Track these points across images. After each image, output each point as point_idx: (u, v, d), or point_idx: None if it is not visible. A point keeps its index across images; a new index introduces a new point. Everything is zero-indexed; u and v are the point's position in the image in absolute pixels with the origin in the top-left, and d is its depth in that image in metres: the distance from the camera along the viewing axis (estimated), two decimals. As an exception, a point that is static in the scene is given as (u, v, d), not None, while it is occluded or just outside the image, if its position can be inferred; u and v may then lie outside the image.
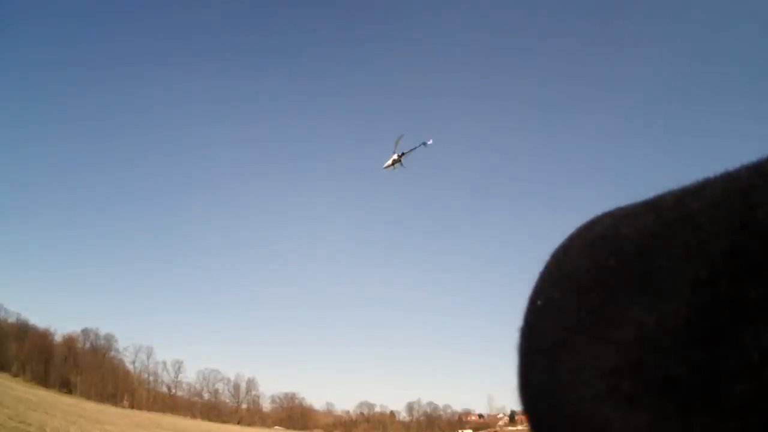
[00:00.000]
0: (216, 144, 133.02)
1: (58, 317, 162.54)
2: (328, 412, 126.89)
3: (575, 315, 0.24)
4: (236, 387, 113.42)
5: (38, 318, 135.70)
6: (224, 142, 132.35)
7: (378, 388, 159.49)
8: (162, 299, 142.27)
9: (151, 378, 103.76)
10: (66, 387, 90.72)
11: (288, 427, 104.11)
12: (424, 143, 34.82)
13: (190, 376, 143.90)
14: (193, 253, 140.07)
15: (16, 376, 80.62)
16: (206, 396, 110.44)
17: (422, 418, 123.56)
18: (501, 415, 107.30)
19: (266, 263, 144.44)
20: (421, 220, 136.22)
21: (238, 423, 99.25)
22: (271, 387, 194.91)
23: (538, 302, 0.27)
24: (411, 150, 34.76)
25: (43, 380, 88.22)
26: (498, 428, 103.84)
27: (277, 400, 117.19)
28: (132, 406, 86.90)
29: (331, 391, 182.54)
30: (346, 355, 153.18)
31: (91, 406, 34.24)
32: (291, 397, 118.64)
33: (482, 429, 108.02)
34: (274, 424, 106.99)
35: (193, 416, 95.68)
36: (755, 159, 0.22)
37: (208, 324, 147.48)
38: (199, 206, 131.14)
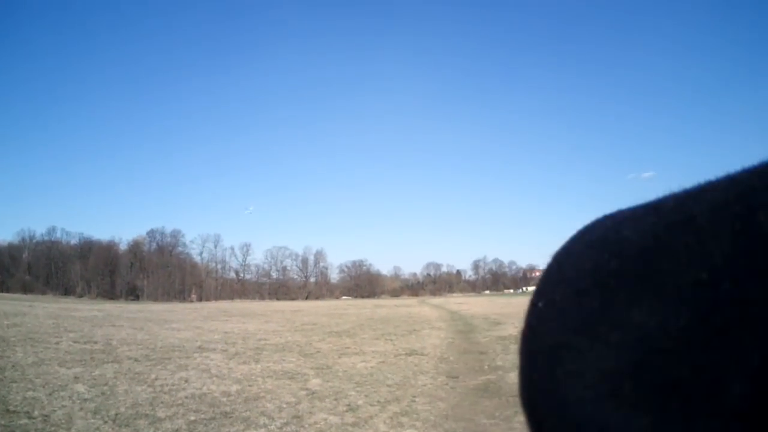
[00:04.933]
0: None
1: (124, 228, 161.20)
2: (395, 277, 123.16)
3: (576, 317, 0.23)
4: (304, 261, 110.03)
5: (103, 233, 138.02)
6: None
7: (444, 248, 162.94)
8: (225, 187, 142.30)
9: (219, 266, 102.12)
10: (133, 294, 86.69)
11: (356, 296, 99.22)
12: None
13: (258, 257, 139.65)
14: (245, 133, 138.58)
15: (81, 296, 76.76)
16: (275, 275, 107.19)
17: (488, 275, 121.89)
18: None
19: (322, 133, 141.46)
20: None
21: (306, 298, 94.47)
22: (339, 257, 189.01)
23: (539, 304, 0.26)
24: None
25: (110, 293, 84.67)
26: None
27: (345, 270, 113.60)
28: (200, 299, 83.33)
29: (398, 255, 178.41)
30: (412, 218, 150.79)
31: (158, 308, 31.21)
32: (358, 265, 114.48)
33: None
34: (342, 294, 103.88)
35: (262, 297, 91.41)
36: (756, 162, 0.22)
37: (274, 204, 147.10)
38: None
